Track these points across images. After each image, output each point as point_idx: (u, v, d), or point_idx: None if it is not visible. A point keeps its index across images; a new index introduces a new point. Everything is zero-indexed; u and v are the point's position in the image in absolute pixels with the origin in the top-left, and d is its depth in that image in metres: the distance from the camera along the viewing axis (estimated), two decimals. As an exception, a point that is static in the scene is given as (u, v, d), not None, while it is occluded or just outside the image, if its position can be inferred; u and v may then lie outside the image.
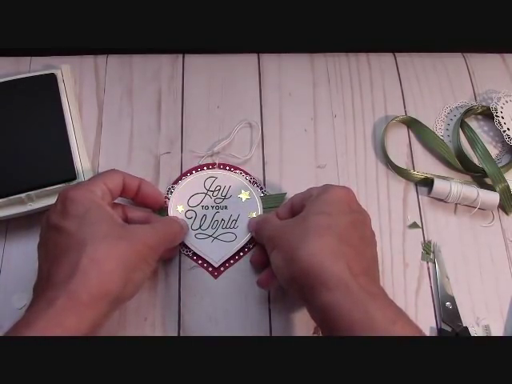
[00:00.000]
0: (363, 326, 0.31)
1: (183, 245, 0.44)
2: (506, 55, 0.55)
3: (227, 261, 0.43)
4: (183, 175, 0.47)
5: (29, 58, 0.51)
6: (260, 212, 0.45)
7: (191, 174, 0.47)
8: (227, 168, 0.47)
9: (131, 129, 0.49)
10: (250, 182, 0.46)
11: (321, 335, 0.41)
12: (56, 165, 0.44)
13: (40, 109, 0.46)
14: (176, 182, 0.46)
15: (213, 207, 0.45)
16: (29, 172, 0.43)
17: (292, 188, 0.45)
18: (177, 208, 0.45)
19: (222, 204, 0.45)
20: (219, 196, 0.46)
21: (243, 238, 0.44)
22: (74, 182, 0.43)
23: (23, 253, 0.43)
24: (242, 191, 0.46)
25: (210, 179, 0.46)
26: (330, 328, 0.33)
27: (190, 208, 0.45)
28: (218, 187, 0.46)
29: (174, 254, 0.43)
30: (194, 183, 0.46)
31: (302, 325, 0.42)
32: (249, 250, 0.44)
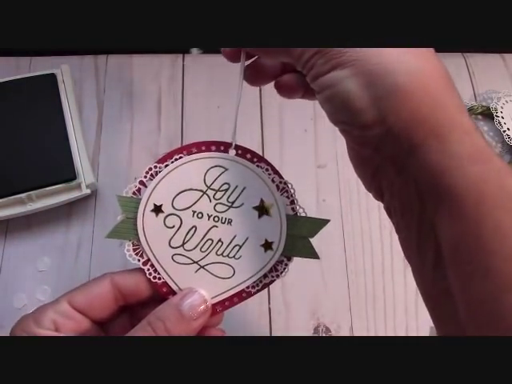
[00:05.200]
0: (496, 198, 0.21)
1: (154, 269, 0.28)
2: (506, 55, 0.55)
3: (218, 302, 0.28)
4: (175, 152, 0.28)
5: (29, 58, 0.51)
6: (282, 241, 0.28)
7: (189, 152, 0.28)
8: (248, 156, 0.29)
9: (131, 129, 0.49)
10: (277, 187, 0.29)
11: (321, 335, 0.41)
12: (56, 165, 0.44)
13: (40, 109, 0.46)
14: (162, 161, 0.28)
15: (210, 216, 0.28)
16: (29, 172, 0.43)
17: (292, 188, 0.45)
18: (152, 207, 0.28)
19: (225, 215, 0.28)
20: (224, 200, 0.28)
21: (245, 278, 0.28)
22: (74, 182, 0.43)
23: (23, 253, 0.43)
24: (263, 201, 0.29)
25: (216, 169, 0.29)
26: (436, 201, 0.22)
27: (175, 211, 0.28)
28: (226, 185, 0.29)
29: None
30: (188, 170, 0.28)
31: (302, 325, 0.42)
32: (249, 294, 0.28)
